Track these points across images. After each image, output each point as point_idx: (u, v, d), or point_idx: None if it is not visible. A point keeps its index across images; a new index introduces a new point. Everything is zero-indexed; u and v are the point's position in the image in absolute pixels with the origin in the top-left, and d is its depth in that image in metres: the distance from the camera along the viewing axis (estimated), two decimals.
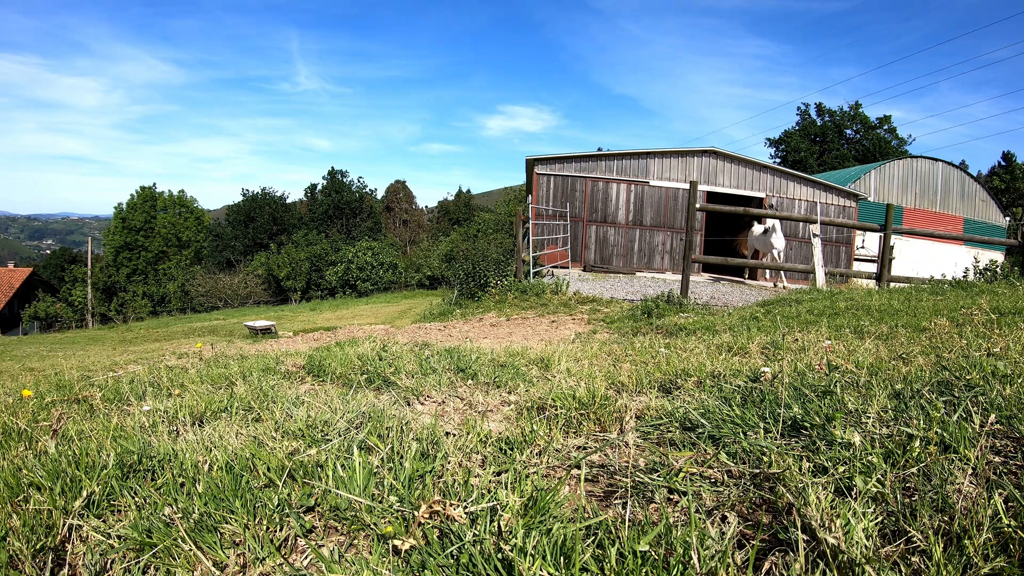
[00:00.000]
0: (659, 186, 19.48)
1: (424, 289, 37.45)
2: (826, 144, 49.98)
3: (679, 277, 9.42)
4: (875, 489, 1.25)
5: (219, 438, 1.75)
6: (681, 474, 1.48)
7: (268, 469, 1.50)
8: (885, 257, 9.45)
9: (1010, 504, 1.16)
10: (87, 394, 2.70)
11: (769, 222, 14.35)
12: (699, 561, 1.03)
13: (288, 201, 51.16)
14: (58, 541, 1.30)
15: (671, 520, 1.19)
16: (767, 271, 18.84)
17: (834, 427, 1.57)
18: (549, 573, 1.04)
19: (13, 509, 1.38)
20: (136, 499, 1.40)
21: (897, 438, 1.48)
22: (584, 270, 18.67)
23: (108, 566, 1.23)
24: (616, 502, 1.41)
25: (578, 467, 1.62)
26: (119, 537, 1.28)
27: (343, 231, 47.73)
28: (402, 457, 1.54)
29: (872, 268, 18.60)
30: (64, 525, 1.33)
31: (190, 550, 1.20)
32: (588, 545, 1.11)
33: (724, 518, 1.27)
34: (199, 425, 2.06)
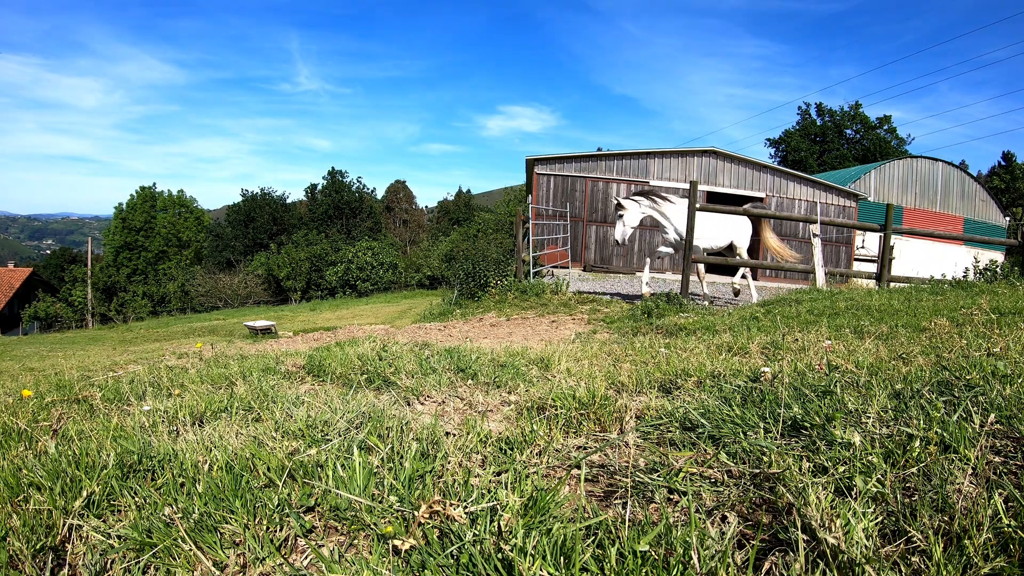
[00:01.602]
0: (659, 186, 19.48)
1: (424, 289, 37.46)
2: (826, 144, 49.98)
3: (679, 277, 9.46)
4: (875, 489, 1.25)
5: (219, 438, 1.75)
6: (681, 474, 1.47)
7: (268, 469, 1.50)
8: (885, 257, 9.45)
9: (1010, 504, 1.16)
10: (87, 394, 2.70)
11: (630, 207, 8.58)
12: (699, 561, 1.03)
13: (288, 201, 51.18)
14: (58, 541, 1.30)
15: (671, 520, 1.19)
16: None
17: (834, 427, 1.57)
18: (549, 573, 1.04)
19: (13, 509, 1.38)
20: (136, 499, 1.40)
21: (897, 438, 1.48)
22: (584, 270, 18.68)
23: (108, 566, 1.23)
24: (616, 502, 1.41)
25: (578, 467, 1.62)
26: (119, 537, 1.28)
27: (343, 231, 47.74)
28: (402, 457, 1.54)
29: (872, 268, 18.60)
30: (64, 525, 1.33)
31: (190, 550, 1.20)
32: (588, 545, 1.11)
33: (724, 518, 1.27)
34: (199, 425, 2.06)
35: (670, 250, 9.04)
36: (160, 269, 47.41)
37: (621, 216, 8.18)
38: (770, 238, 9.90)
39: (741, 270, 10.01)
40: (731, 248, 9.46)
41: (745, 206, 9.19)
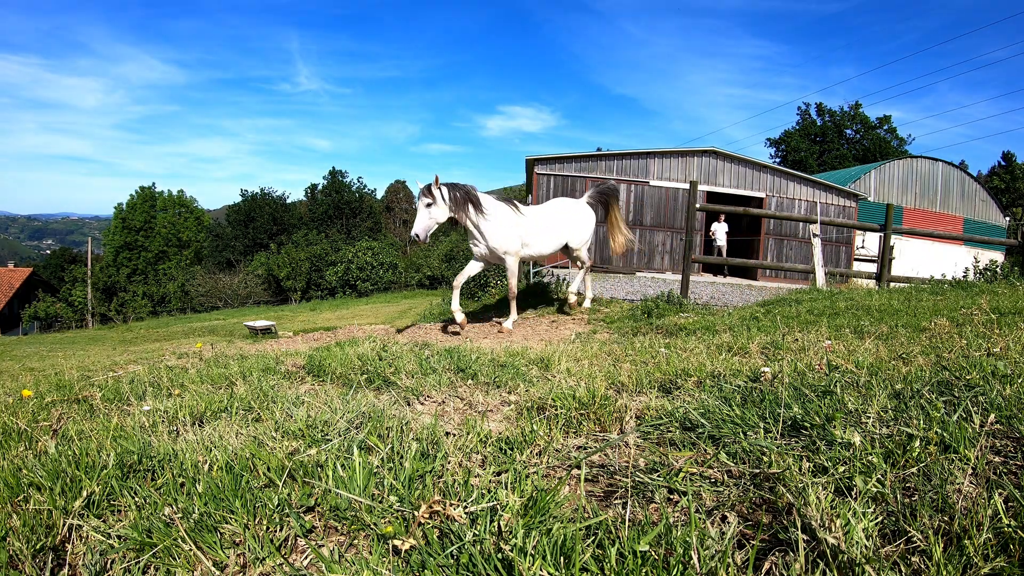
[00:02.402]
0: (659, 186, 19.49)
1: (424, 289, 37.45)
2: (826, 144, 49.99)
3: (679, 277, 9.39)
4: (875, 489, 1.25)
5: (219, 438, 1.75)
6: (681, 474, 1.47)
7: (268, 469, 1.50)
8: (885, 257, 9.45)
9: (1010, 504, 1.16)
10: (87, 394, 2.70)
11: (440, 201, 6.46)
12: (699, 561, 1.03)
13: (288, 201, 51.21)
14: (58, 541, 1.30)
15: (671, 520, 1.19)
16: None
17: (834, 427, 1.57)
18: (549, 573, 1.04)
19: (13, 509, 1.38)
20: (136, 499, 1.40)
21: (897, 438, 1.48)
22: None
23: (108, 566, 1.23)
24: (616, 502, 1.41)
25: (578, 467, 1.62)
26: (119, 537, 1.28)
27: (343, 231, 47.74)
28: (402, 457, 1.54)
29: (872, 268, 18.61)
30: (64, 525, 1.33)
31: (190, 550, 1.20)
32: (588, 545, 1.11)
33: (724, 518, 1.27)
34: (199, 425, 2.06)
35: (478, 268, 7.05)
36: (160, 269, 47.44)
37: (429, 206, 6.34)
38: (618, 229, 8.16)
39: (580, 273, 8.21)
40: (567, 249, 7.66)
41: (586, 194, 7.85)
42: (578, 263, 7.94)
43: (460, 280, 6.91)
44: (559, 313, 8.38)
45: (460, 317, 6.80)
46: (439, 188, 6.38)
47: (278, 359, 3.56)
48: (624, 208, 19.41)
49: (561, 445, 1.81)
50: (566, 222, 7.47)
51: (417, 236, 6.38)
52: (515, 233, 6.83)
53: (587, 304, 8.13)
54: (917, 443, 1.42)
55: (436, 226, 6.49)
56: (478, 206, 6.57)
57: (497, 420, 2.16)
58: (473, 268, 7.03)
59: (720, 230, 18.28)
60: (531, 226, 7.01)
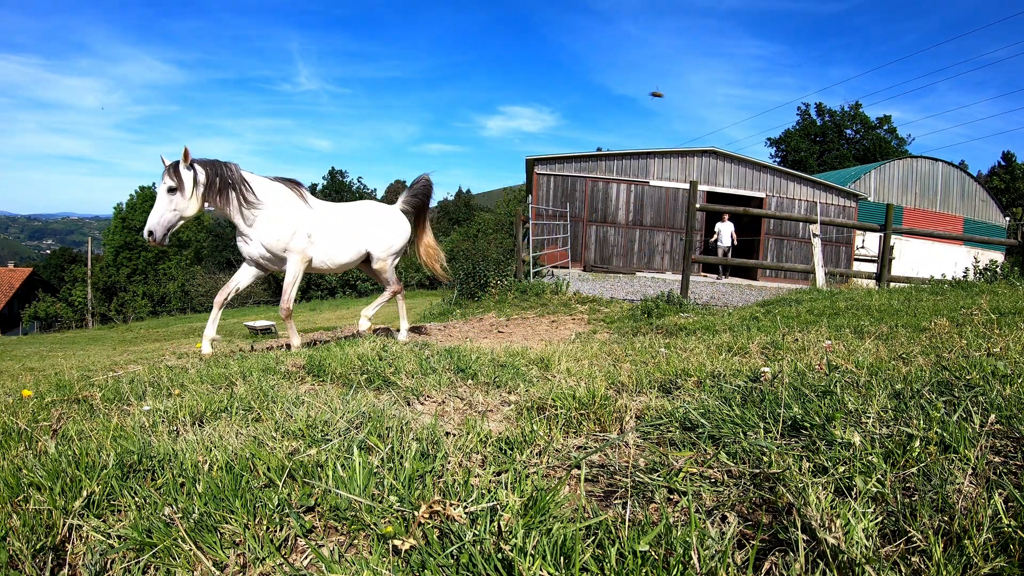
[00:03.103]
0: (659, 186, 19.49)
1: (424, 289, 37.44)
2: (826, 144, 50.01)
3: (679, 277, 9.38)
4: (875, 489, 1.25)
5: (219, 438, 1.75)
6: (681, 474, 1.48)
7: (268, 469, 1.50)
8: (885, 257, 9.45)
9: (1010, 504, 1.16)
10: (87, 394, 2.70)
11: (187, 183, 4.65)
12: (699, 561, 1.03)
13: None
14: (58, 541, 1.30)
15: (671, 520, 1.19)
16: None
17: (834, 427, 1.57)
18: (549, 573, 1.04)
19: (13, 509, 1.38)
20: (136, 499, 1.40)
21: (897, 438, 1.48)
22: (584, 270, 18.69)
23: (108, 566, 1.23)
24: (616, 502, 1.41)
25: (578, 467, 1.62)
26: (119, 537, 1.28)
27: None
28: (402, 457, 1.54)
29: (872, 268, 18.61)
30: (64, 525, 1.33)
31: (190, 550, 1.20)
32: (588, 545, 1.12)
33: (724, 518, 1.27)
34: (199, 425, 2.06)
35: (249, 275, 5.30)
36: (160, 269, 47.47)
37: (173, 192, 4.62)
38: (427, 238, 6.67)
39: (384, 295, 6.26)
40: (368, 262, 5.94)
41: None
42: (383, 281, 6.11)
43: (222, 296, 5.17)
44: (559, 313, 8.39)
45: (206, 346, 5.11)
46: (190, 169, 4.69)
47: (278, 359, 3.55)
48: (624, 208, 19.40)
49: (561, 445, 1.81)
50: (369, 227, 5.81)
51: (152, 234, 4.57)
52: (301, 226, 5.23)
53: (403, 336, 6.09)
54: (917, 443, 1.42)
55: (181, 222, 4.76)
56: (246, 194, 4.96)
57: (497, 420, 2.16)
58: (244, 277, 5.30)
59: (725, 230, 18.27)
60: (322, 222, 5.43)
